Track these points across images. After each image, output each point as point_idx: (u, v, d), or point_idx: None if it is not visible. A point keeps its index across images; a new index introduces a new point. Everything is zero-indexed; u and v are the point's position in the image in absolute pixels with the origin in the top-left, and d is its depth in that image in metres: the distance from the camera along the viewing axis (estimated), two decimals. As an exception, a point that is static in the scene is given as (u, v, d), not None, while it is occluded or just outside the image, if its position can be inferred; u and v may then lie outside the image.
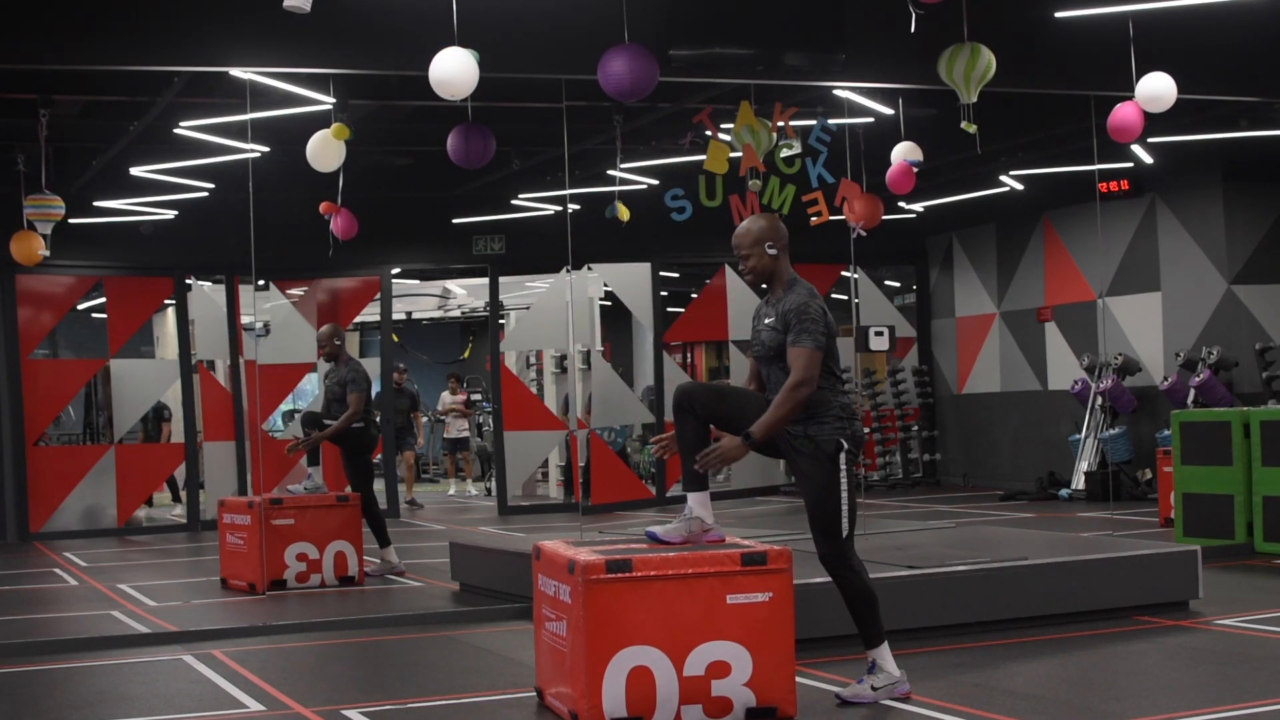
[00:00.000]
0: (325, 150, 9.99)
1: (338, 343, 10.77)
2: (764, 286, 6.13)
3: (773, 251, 5.90)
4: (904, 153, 10.81)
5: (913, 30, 7.87)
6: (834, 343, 5.83)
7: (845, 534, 5.76)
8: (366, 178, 11.10)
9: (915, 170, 10.87)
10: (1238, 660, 6.67)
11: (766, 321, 5.88)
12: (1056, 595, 7.64)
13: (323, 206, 11.07)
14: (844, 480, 5.72)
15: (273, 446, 15.65)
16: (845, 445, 5.72)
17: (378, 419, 10.99)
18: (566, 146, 10.70)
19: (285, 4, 7.23)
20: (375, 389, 12.45)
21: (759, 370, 6.04)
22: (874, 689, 5.80)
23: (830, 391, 5.76)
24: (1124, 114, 9.40)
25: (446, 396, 20.33)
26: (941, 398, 18.58)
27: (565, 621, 5.41)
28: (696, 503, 5.67)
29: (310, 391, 19.61)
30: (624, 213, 11.44)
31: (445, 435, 20.51)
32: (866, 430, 17.94)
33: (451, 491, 19.93)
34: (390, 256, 16.39)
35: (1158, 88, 9.23)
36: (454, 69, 7.59)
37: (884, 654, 5.84)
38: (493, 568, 9.40)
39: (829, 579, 7.10)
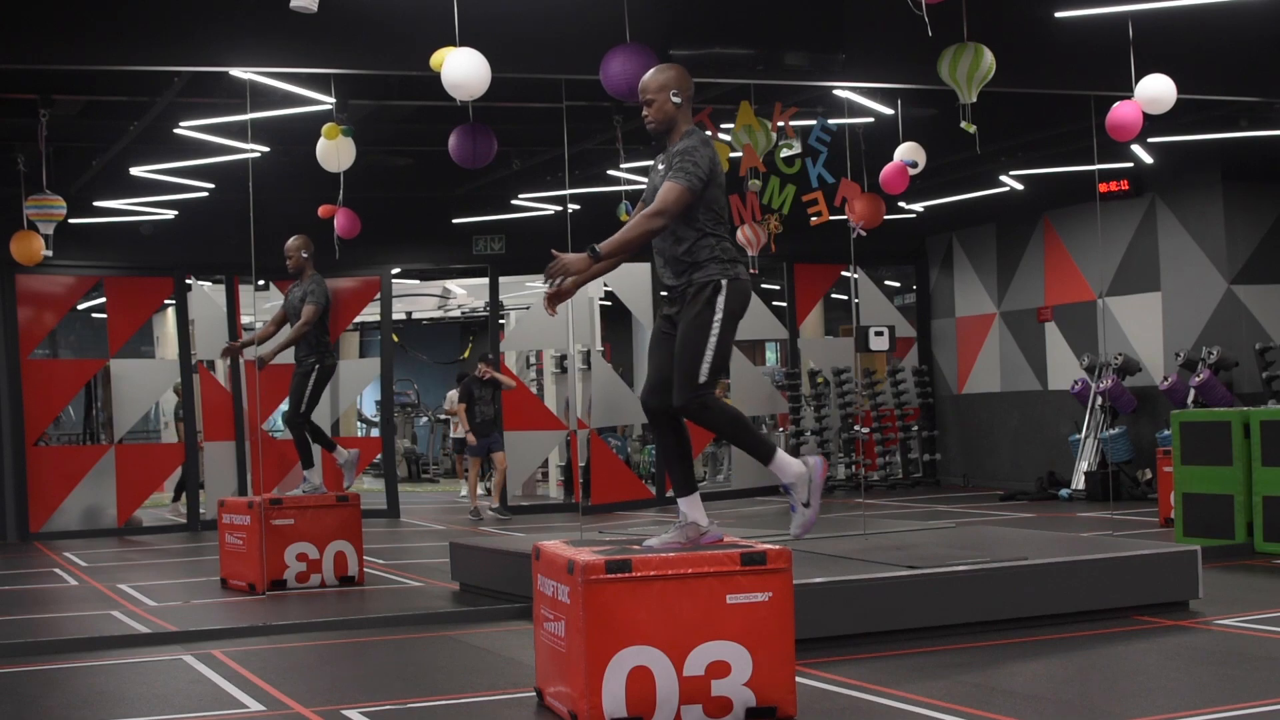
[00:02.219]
0: (335, 150, 10.00)
1: (304, 256, 10.40)
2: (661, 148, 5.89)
3: (677, 100, 5.71)
4: (907, 152, 10.81)
5: (930, 33, 7.86)
6: (719, 191, 5.67)
7: (704, 380, 5.54)
8: (366, 178, 11.10)
9: (912, 171, 10.87)
10: (1238, 660, 6.66)
11: (659, 168, 5.74)
12: (1056, 595, 7.63)
13: (321, 210, 11.05)
14: (716, 322, 5.55)
15: (273, 446, 15.66)
16: (724, 286, 5.58)
17: (336, 352, 10.77)
18: (566, 146, 10.71)
19: (292, 4, 7.23)
20: (375, 391, 12.42)
21: None
22: (806, 504, 5.65)
23: (711, 237, 5.62)
24: (1123, 113, 9.41)
25: (454, 395, 20.27)
26: (941, 398, 18.58)
27: (565, 622, 5.41)
28: (688, 506, 5.67)
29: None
30: (624, 216, 11.45)
31: (453, 435, 20.48)
32: (866, 430, 17.99)
33: (464, 493, 19.89)
34: (390, 256, 16.40)
35: (1158, 89, 9.23)
36: (467, 70, 7.61)
37: (782, 462, 5.64)
38: (493, 568, 9.40)
39: (829, 579, 7.14)
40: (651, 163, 5.90)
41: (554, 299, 5.70)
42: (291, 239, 10.51)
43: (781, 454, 5.67)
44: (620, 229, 5.59)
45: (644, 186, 6.02)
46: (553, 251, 5.55)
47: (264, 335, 10.63)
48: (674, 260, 5.67)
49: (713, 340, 5.55)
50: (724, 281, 5.59)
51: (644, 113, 5.80)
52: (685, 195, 5.53)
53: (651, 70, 5.84)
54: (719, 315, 5.57)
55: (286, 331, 10.53)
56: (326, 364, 10.47)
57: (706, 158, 5.59)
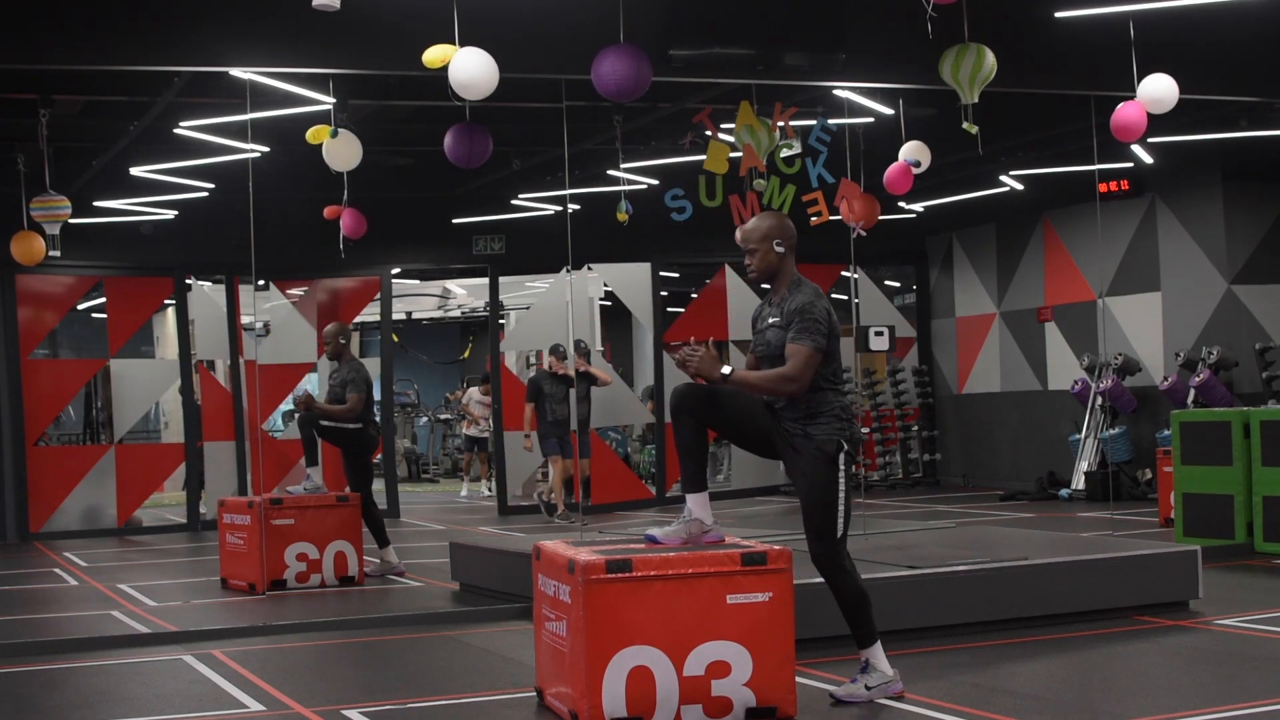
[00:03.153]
0: (341, 149, 10.01)
1: (343, 341, 10.75)
2: (766, 287, 6.10)
3: (780, 249, 5.89)
4: (911, 152, 10.80)
5: (930, 35, 7.86)
6: (837, 344, 5.82)
7: (840, 535, 5.75)
8: (366, 178, 11.09)
9: (916, 170, 10.86)
10: (1238, 660, 6.66)
11: (771, 321, 5.87)
12: (1056, 595, 7.63)
13: (327, 211, 11.03)
14: (842, 481, 5.71)
15: (273, 446, 15.67)
16: (845, 446, 5.71)
17: (378, 419, 10.94)
18: (566, 146, 10.71)
19: (315, 3, 7.23)
20: (376, 392, 12.43)
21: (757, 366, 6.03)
22: (868, 688, 5.80)
23: (831, 393, 5.76)
24: (1127, 113, 9.40)
25: (475, 393, 20.26)
26: (941, 398, 18.58)
27: (565, 621, 5.41)
28: (695, 504, 5.67)
29: (310, 391, 19.58)
30: (622, 216, 11.44)
31: (465, 433, 20.47)
32: (866, 430, 18.00)
33: (464, 493, 19.88)
34: (390, 256, 16.40)
35: (1160, 89, 9.23)
36: (475, 70, 7.61)
37: (877, 653, 5.84)
38: (493, 568, 9.40)
39: (828, 579, 7.13)
40: (758, 310, 6.04)
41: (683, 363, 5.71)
42: (329, 326, 10.91)
43: (880, 648, 5.83)
44: (755, 371, 5.74)
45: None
46: (696, 344, 5.66)
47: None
48: (796, 408, 5.76)
49: (841, 497, 5.72)
50: (844, 443, 5.71)
51: (746, 261, 5.95)
52: (815, 357, 5.67)
53: (753, 219, 5.97)
54: (842, 474, 5.71)
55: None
56: (371, 434, 10.67)
57: (824, 312, 5.76)
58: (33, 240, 11.79)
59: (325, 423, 10.53)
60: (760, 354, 5.96)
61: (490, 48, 7.76)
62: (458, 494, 20.11)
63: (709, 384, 5.65)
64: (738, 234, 6.01)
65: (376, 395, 20.46)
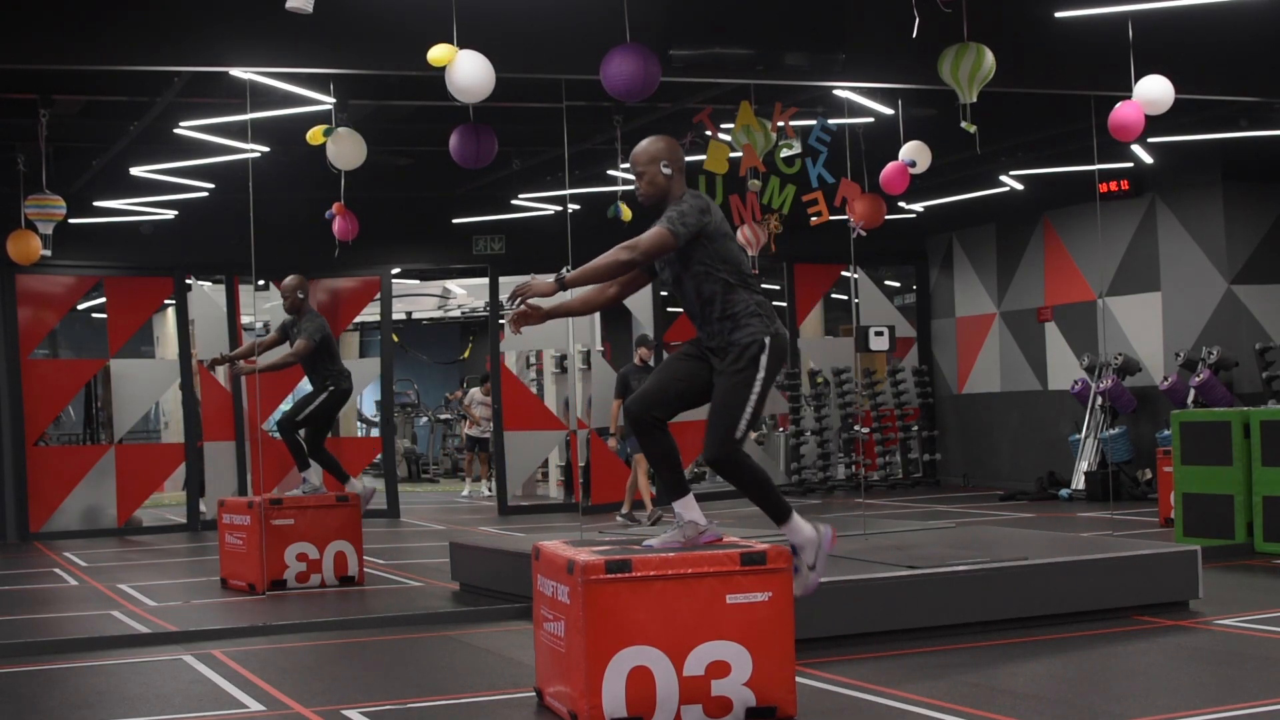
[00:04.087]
0: (345, 148, 10.01)
1: (300, 296, 10.48)
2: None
3: (667, 171, 5.73)
4: (909, 152, 10.80)
5: (914, 35, 7.86)
6: (732, 244, 5.70)
7: (739, 436, 5.58)
8: (367, 178, 11.09)
9: (912, 170, 10.86)
10: (1238, 660, 6.66)
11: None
12: (1056, 595, 7.63)
13: (336, 208, 10.99)
14: (758, 381, 5.58)
15: (273, 446, 15.64)
16: (766, 345, 5.60)
17: (349, 374, 10.78)
18: (566, 146, 10.71)
19: (289, 5, 7.24)
20: (375, 391, 12.41)
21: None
22: (811, 567, 5.65)
23: (743, 290, 5.66)
24: (1125, 113, 9.40)
25: (477, 394, 20.25)
26: (941, 398, 18.58)
27: (565, 622, 5.41)
28: (684, 508, 5.65)
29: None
30: (627, 213, 11.45)
31: (466, 433, 20.46)
32: (866, 430, 17.98)
33: (465, 493, 19.88)
34: (390, 256, 16.40)
35: (1156, 90, 9.23)
36: (472, 75, 7.62)
37: (795, 525, 5.69)
38: (493, 568, 9.40)
39: (829, 579, 7.12)
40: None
41: (518, 319, 5.61)
42: (288, 279, 10.58)
43: (797, 517, 5.72)
44: (589, 264, 5.57)
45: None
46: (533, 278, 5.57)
47: (264, 344, 10.66)
48: (714, 321, 5.68)
49: (753, 399, 5.59)
50: (767, 340, 5.62)
51: (636, 185, 5.82)
52: (665, 237, 5.54)
53: (642, 142, 5.83)
54: (761, 375, 5.60)
55: (280, 351, 10.61)
56: (342, 387, 10.55)
57: (696, 210, 5.60)
58: (29, 239, 11.79)
59: (300, 410, 10.41)
60: (665, 278, 5.83)
61: (490, 48, 7.76)
62: (458, 494, 20.12)
63: (542, 304, 5.50)
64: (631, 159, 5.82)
65: (377, 394, 20.47)
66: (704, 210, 5.63)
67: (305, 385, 17.12)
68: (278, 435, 10.93)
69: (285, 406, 18.48)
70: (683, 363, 5.77)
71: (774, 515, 5.73)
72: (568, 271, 5.53)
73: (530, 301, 5.56)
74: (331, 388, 10.46)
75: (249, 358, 10.74)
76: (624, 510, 14.28)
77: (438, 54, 7.54)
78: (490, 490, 19.41)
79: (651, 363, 14.22)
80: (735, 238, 5.79)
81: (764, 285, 18.21)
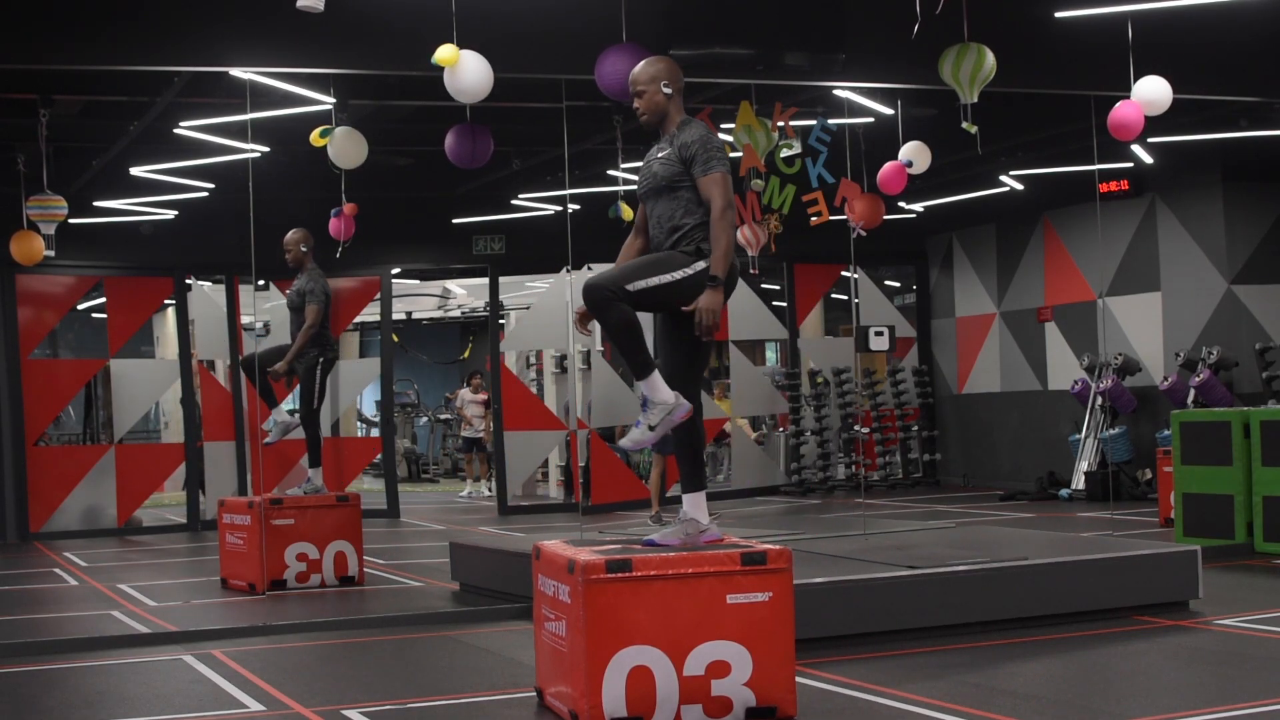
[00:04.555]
0: (347, 146, 10.01)
1: (304, 250, 10.40)
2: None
3: (668, 90, 5.75)
4: (908, 152, 10.80)
5: (913, 37, 7.86)
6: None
7: (630, 289, 5.49)
8: (367, 178, 11.09)
9: (910, 170, 10.86)
10: (1238, 660, 6.66)
11: (660, 155, 5.75)
12: (1056, 595, 7.63)
13: (346, 209, 10.97)
14: (681, 273, 5.57)
15: (272, 446, 15.64)
16: (703, 252, 5.60)
17: (337, 347, 10.75)
18: (566, 146, 10.71)
19: (299, 4, 7.23)
20: (375, 391, 12.41)
21: (644, 217, 5.90)
22: (651, 428, 5.55)
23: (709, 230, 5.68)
24: (1124, 112, 9.41)
25: (466, 393, 20.25)
26: (941, 398, 18.58)
27: (565, 621, 5.41)
28: (691, 504, 5.65)
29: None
30: (627, 213, 11.45)
31: (463, 434, 20.47)
32: (866, 430, 17.98)
33: (465, 493, 19.86)
34: (390, 256, 16.40)
35: (1153, 91, 9.23)
36: (470, 76, 7.62)
37: (654, 382, 5.56)
38: (493, 568, 9.40)
39: (829, 579, 7.15)
40: (649, 153, 5.88)
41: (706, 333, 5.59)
42: (290, 233, 10.51)
43: (657, 376, 5.57)
44: (716, 248, 5.56)
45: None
46: (698, 309, 5.53)
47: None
48: (674, 247, 5.68)
49: (668, 280, 5.56)
50: (700, 248, 5.62)
51: (635, 104, 5.84)
52: (728, 178, 5.63)
53: (641, 63, 5.87)
54: (689, 274, 5.57)
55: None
56: (329, 356, 10.50)
57: (720, 148, 5.69)
58: (32, 240, 11.80)
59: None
60: (646, 189, 5.81)
61: (490, 48, 7.76)
62: (458, 494, 20.11)
63: (719, 298, 5.53)
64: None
65: (377, 394, 20.48)
66: (723, 148, 5.71)
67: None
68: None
69: (286, 406, 18.51)
70: (667, 335, 5.77)
71: (635, 368, 5.60)
72: (714, 270, 5.53)
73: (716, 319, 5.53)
74: (322, 359, 10.45)
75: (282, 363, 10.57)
76: (654, 511, 14.03)
77: (444, 54, 7.54)
78: (490, 490, 19.41)
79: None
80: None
81: (764, 285, 18.37)
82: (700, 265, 5.60)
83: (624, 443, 5.72)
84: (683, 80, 5.85)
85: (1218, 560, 9.74)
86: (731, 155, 9.82)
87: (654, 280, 5.56)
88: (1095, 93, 10.41)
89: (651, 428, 5.54)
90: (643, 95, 5.78)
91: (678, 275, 5.60)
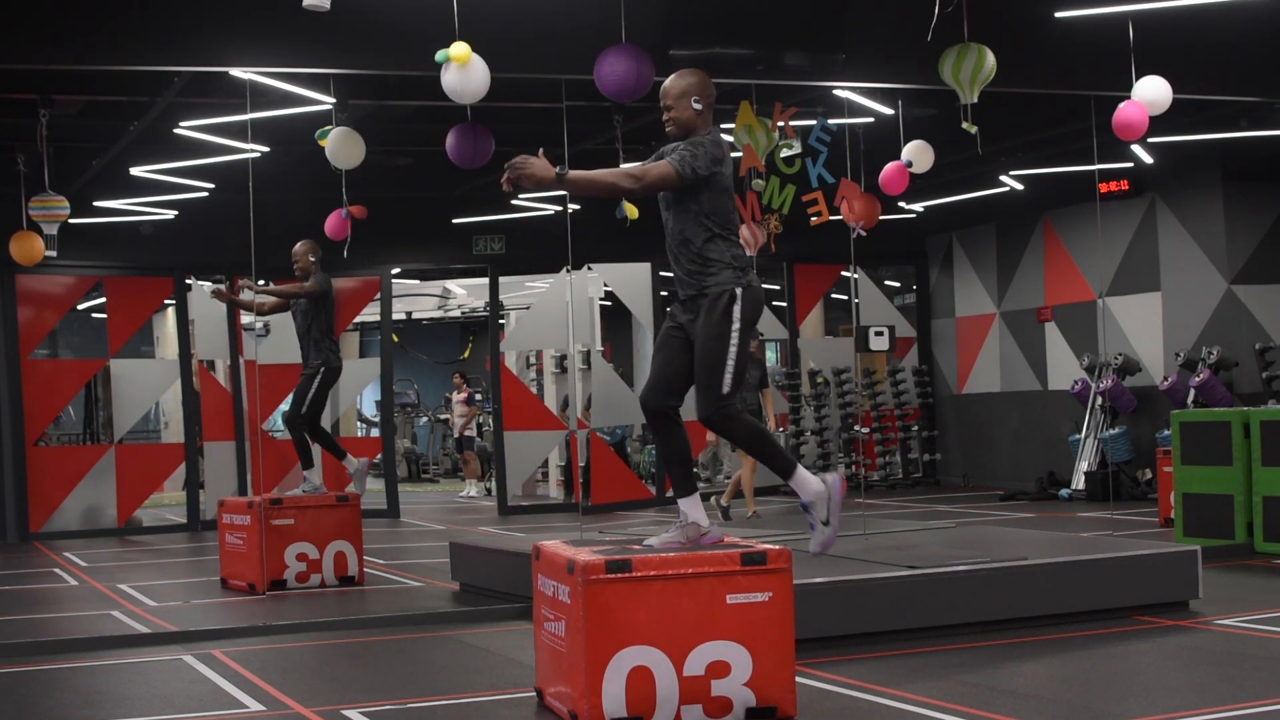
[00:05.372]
0: (345, 147, 10.01)
1: (312, 259, 10.40)
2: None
3: (698, 106, 5.66)
4: (908, 152, 10.79)
5: (929, 38, 7.85)
6: (726, 197, 5.64)
7: (727, 391, 5.52)
8: (367, 178, 11.09)
9: (910, 170, 10.85)
10: (1238, 660, 6.66)
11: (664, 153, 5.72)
12: (1056, 595, 7.63)
13: (354, 210, 10.96)
14: (734, 333, 5.53)
15: (273, 447, 15.65)
16: (738, 295, 5.55)
17: (339, 353, 10.75)
18: (566, 147, 10.70)
19: (305, 3, 7.23)
20: (375, 391, 12.41)
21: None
22: (825, 523, 5.61)
23: (723, 240, 5.60)
24: (1129, 112, 9.40)
25: (454, 395, 20.30)
26: (941, 398, 18.58)
27: (565, 621, 5.41)
28: (688, 506, 5.65)
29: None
30: (632, 211, 11.45)
31: (455, 435, 20.53)
32: (866, 430, 17.98)
33: (464, 493, 19.87)
34: (390, 256, 16.40)
35: (1154, 91, 9.23)
36: (466, 75, 7.61)
37: (801, 479, 5.62)
38: (493, 568, 9.40)
39: (829, 579, 7.15)
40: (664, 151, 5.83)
41: (507, 183, 5.47)
42: (299, 244, 10.52)
43: (802, 471, 5.65)
44: (596, 174, 5.52)
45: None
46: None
47: (271, 293, 10.67)
48: (685, 263, 5.64)
49: (732, 350, 5.54)
50: (739, 290, 5.56)
51: (664, 118, 5.75)
52: (669, 176, 5.49)
53: (672, 76, 5.77)
54: (736, 325, 5.55)
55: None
56: (332, 366, 10.50)
57: (708, 155, 5.55)
58: (32, 240, 11.80)
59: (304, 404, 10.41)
60: (663, 201, 5.77)
61: (490, 48, 7.76)
62: (458, 494, 20.12)
63: (541, 184, 5.38)
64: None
65: (377, 395, 20.46)
66: (717, 160, 5.59)
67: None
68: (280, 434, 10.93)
69: (286, 406, 18.52)
70: (670, 342, 5.73)
71: (778, 470, 5.64)
72: (568, 170, 5.40)
73: (523, 173, 5.39)
74: (324, 368, 10.44)
75: (256, 296, 10.60)
76: (724, 501, 13.93)
77: (457, 51, 7.50)
78: (477, 491, 19.43)
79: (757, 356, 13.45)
80: (734, 194, 5.75)
81: (764, 285, 18.40)
82: (736, 305, 5.53)
83: (814, 548, 5.68)
84: (714, 93, 5.74)
85: (1218, 560, 9.74)
86: (732, 155, 9.88)
87: (727, 362, 5.51)
88: (1095, 93, 10.41)
89: (826, 523, 5.62)
90: (672, 110, 5.70)
91: (734, 339, 5.53)
